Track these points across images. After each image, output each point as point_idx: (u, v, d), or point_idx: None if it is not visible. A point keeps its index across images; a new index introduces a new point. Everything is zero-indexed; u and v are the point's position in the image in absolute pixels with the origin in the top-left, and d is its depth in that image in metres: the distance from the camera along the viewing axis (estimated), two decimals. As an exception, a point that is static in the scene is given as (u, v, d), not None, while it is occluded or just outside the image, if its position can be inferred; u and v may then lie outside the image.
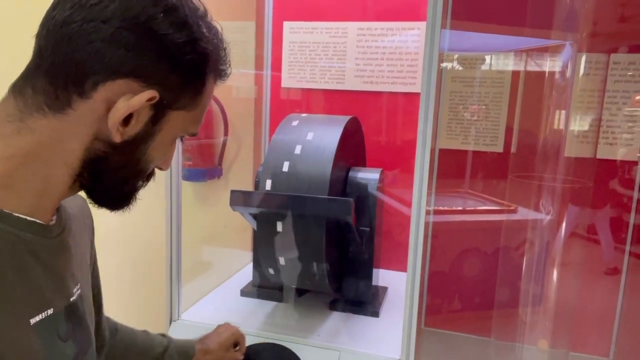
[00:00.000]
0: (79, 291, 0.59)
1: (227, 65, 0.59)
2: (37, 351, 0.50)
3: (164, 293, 1.29)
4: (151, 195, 0.67)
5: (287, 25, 1.68)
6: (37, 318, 0.51)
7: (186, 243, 1.31)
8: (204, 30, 0.54)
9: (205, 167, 1.74)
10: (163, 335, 0.94)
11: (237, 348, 1.03)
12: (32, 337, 0.50)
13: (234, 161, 1.84)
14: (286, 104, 1.75)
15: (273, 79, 1.76)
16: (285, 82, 1.72)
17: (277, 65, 1.73)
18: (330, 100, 1.70)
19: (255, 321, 1.28)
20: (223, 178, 1.80)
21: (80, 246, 0.63)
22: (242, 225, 1.74)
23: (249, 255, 1.76)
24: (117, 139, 0.51)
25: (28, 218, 0.51)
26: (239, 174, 1.86)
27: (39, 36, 0.50)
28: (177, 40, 0.51)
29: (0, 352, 0.46)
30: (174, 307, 1.28)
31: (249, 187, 1.80)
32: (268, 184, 1.22)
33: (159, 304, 1.31)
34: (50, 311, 0.52)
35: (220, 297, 1.45)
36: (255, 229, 1.28)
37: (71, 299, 0.57)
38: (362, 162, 1.55)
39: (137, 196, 0.59)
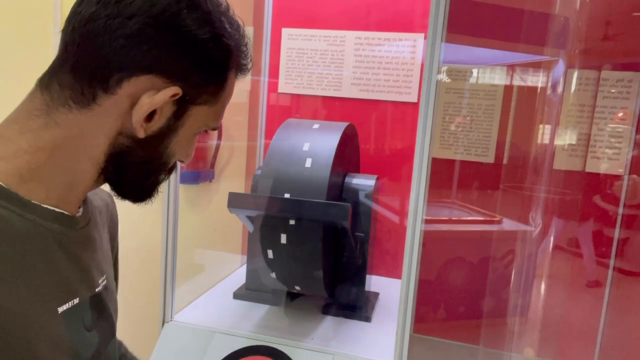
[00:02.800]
0: (104, 282, 0.60)
1: (248, 60, 0.60)
2: (63, 339, 0.51)
3: (157, 294, 1.28)
4: (160, 191, 0.68)
5: (285, 31, 1.70)
6: (65, 307, 0.51)
7: (179, 245, 1.31)
8: (227, 26, 0.54)
9: (198, 170, 1.74)
10: None
11: None
12: (59, 325, 0.50)
13: (226, 165, 1.84)
14: (282, 110, 1.77)
15: (270, 85, 1.77)
16: (282, 88, 1.74)
17: (274, 71, 1.75)
18: (326, 107, 1.72)
19: (248, 324, 1.28)
20: (215, 181, 1.80)
21: (104, 239, 0.64)
22: (233, 229, 1.75)
23: (240, 258, 1.76)
24: (141, 134, 0.52)
25: (56, 209, 0.52)
26: (231, 178, 1.87)
27: (65, 32, 0.51)
28: (200, 36, 0.51)
29: (31, 338, 0.47)
30: (167, 309, 1.28)
31: (241, 192, 1.80)
32: (266, 188, 1.23)
33: (152, 305, 1.30)
34: (76, 300, 0.53)
35: (213, 299, 1.44)
36: (251, 231, 1.29)
37: (96, 290, 0.57)
38: (357, 169, 1.57)
39: (159, 189, 0.60)
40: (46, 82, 0.51)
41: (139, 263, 1.69)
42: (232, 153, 1.86)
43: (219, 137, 1.75)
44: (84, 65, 0.50)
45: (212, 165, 1.78)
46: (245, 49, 0.59)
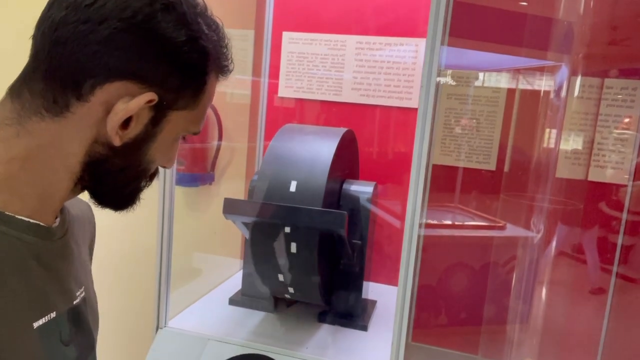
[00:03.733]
0: (82, 294, 0.58)
1: (229, 61, 0.57)
2: (39, 355, 0.49)
3: (151, 299, 1.27)
4: (142, 198, 0.67)
5: (286, 35, 1.69)
6: (40, 322, 0.50)
7: (175, 249, 1.29)
8: (204, 28, 0.52)
9: (198, 172, 1.73)
10: None
11: None
12: (34, 341, 0.49)
13: (226, 168, 1.83)
14: (282, 114, 1.76)
15: (270, 88, 1.76)
16: (282, 92, 1.73)
17: (274, 75, 1.74)
18: (326, 112, 1.70)
19: (243, 331, 1.27)
20: (215, 184, 1.79)
21: (82, 249, 0.63)
22: (232, 233, 1.74)
23: (238, 263, 1.75)
24: (116, 142, 0.50)
25: (31, 221, 0.50)
26: (231, 181, 1.85)
27: (35, 38, 0.49)
28: (175, 39, 0.49)
29: (5, 356, 0.45)
30: (162, 315, 1.26)
31: (241, 195, 1.79)
32: (262, 194, 1.22)
33: (146, 311, 1.29)
34: (53, 314, 0.52)
35: (208, 305, 1.43)
36: (248, 238, 1.28)
37: (74, 302, 0.56)
38: (355, 175, 1.55)
39: (141, 196, 0.59)
40: (17, 90, 0.50)
41: (133, 267, 1.68)
42: (232, 156, 1.85)
43: (219, 139, 1.74)
44: (55, 72, 0.48)
45: (212, 168, 1.77)
46: (225, 50, 0.56)
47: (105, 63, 0.48)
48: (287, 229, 1.18)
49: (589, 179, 1.40)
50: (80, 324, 0.57)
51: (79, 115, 0.49)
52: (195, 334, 1.23)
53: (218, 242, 1.75)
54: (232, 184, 1.86)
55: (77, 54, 0.47)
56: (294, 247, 1.19)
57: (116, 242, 1.68)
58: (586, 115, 1.40)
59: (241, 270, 1.54)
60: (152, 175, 0.59)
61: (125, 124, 0.50)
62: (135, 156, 0.54)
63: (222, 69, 0.57)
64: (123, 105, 0.49)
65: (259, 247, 1.22)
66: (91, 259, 0.72)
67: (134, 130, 0.51)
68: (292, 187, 1.20)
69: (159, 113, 0.52)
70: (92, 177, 0.53)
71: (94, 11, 0.47)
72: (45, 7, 0.50)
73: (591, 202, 1.41)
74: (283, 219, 1.17)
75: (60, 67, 0.48)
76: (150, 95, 0.50)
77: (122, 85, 0.49)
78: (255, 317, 1.36)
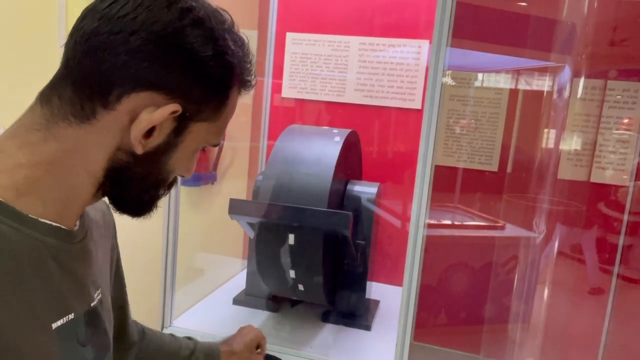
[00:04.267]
0: (99, 296, 0.59)
1: (252, 77, 0.59)
2: (56, 356, 0.50)
3: (156, 299, 1.27)
4: (159, 206, 0.67)
5: (289, 36, 1.70)
6: (59, 323, 0.51)
7: (179, 248, 1.30)
8: (230, 44, 0.53)
9: (200, 172, 1.73)
10: (189, 338, 0.93)
11: (259, 350, 1.02)
12: (53, 342, 0.50)
13: (228, 167, 1.83)
14: (286, 114, 1.76)
15: (273, 89, 1.76)
16: (286, 93, 1.73)
17: (278, 75, 1.74)
18: (330, 113, 1.71)
19: (247, 330, 1.28)
20: (217, 184, 1.79)
21: (101, 251, 0.63)
22: (234, 233, 1.74)
23: (241, 263, 1.75)
24: (139, 150, 0.51)
25: (53, 224, 0.51)
26: (233, 181, 1.86)
27: (67, 46, 0.51)
28: (202, 54, 0.50)
29: (24, 355, 0.46)
30: (167, 314, 1.27)
31: (243, 194, 1.80)
32: (267, 194, 1.22)
33: (151, 310, 1.29)
34: (71, 316, 0.52)
35: (213, 304, 1.44)
36: (252, 238, 1.28)
37: (92, 304, 0.57)
38: (359, 175, 1.56)
39: (158, 204, 0.59)
40: (47, 95, 0.51)
41: (138, 267, 1.68)
42: (234, 155, 1.85)
43: (222, 138, 1.74)
44: (85, 79, 0.49)
45: (215, 168, 1.77)
46: (249, 66, 0.57)
47: (133, 73, 0.49)
48: (292, 230, 1.19)
49: (591, 180, 1.40)
50: (97, 326, 0.58)
51: (105, 123, 0.50)
52: (200, 333, 1.24)
53: (220, 242, 1.75)
54: (234, 183, 1.86)
55: (107, 64, 0.48)
56: (298, 248, 1.20)
57: (121, 243, 1.68)
58: (588, 116, 1.40)
59: (244, 270, 1.54)
60: (171, 185, 0.60)
61: (149, 133, 0.51)
62: (156, 165, 0.55)
63: (245, 84, 0.58)
64: (147, 115, 0.50)
65: (263, 248, 1.23)
66: (115, 256, 0.73)
67: (157, 139, 0.52)
68: (296, 188, 1.21)
69: (181, 124, 0.53)
70: (113, 184, 0.54)
71: (125, 23, 0.48)
72: (79, 17, 0.51)
73: (593, 203, 1.42)
74: (288, 220, 1.18)
75: (89, 75, 0.49)
76: (175, 107, 0.51)
77: (148, 96, 0.50)
78: (259, 317, 1.36)
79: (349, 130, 1.35)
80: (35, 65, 1.40)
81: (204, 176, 1.74)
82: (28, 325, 0.47)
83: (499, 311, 1.54)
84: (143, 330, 0.87)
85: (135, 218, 0.59)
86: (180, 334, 1.25)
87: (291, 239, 1.19)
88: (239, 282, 1.58)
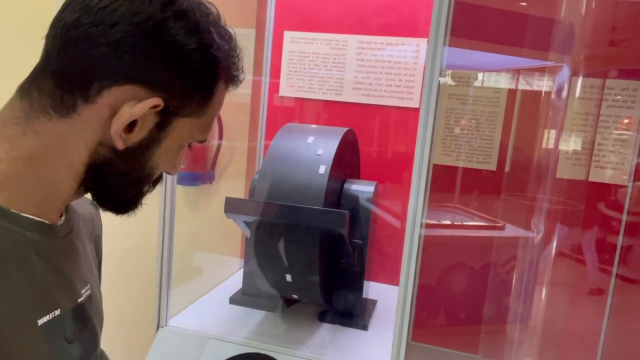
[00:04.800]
0: (88, 292, 0.58)
1: (240, 72, 0.58)
2: (43, 352, 0.49)
3: (152, 298, 1.27)
4: (144, 203, 0.66)
5: (287, 34, 1.69)
6: (45, 319, 0.50)
7: (175, 248, 1.29)
8: (215, 37, 0.52)
9: (198, 171, 1.73)
10: None
11: None
12: (38, 338, 0.49)
13: (226, 167, 1.83)
14: (283, 113, 1.75)
15: (271, 87, 1.76)
16: (283, 91, 1.72)
17: (275, 74, 1.74)
18: (327, 111, 1.70)
19: (243, 330, 1.27)
20: (215, 183, 1.79)
21: (88, 248, 0.63)
22: (232, 232, 1.73)
23: (238, 262, 1.75)
24: (120, 145, 0.50)
25: (35, 218, 0.50)
26: (231, 180, 1.85)
27: (48, 37, 0.50)
28: (186, 47, 0.49)
29: (9, 353, 0.45)
30: (162, 313, 1.26)
31: (241, 194, 1.79)
32: (263, 193, 1.22)
33: (147, 310, 1.29)
34: (57, 312, 0.52)
35: (209, 304, 1.43)
36: (249, 237, 1.28)
37: (79, 300, 0.56)
38: (356, 174, 1.55)
39: (143, 201, 0.59)
40: (26, 89, 0.50)
41: (133, 266, 1.68)
42: (232, 154, 1.84)
43: (220, 138, 1.74)
44: (65, 72, 0.48)
45: (213, 167, 1.76)
46: (236, 60, 0.56)
47: (114, 66, 0.48)
48: (288, 229, 1.18)
49: (590, 179, 1.40)
50: (85, 322, 0.57)
51: (85, 117, 0.49)
52: (196, 332, 1.23)
53: (218, 241, 1.75)
54: (232, 183, 1.86)
55: (87, 56, 0.47)
56: (295, 247, 1.19)
57: (117, 241, 1.67)
58: (587, 116, 1.40)
59: (241, 270, 1.54)
60: (156, 181, 0.59)
61: (130, 127, 0.50)
62: (138, 161, 0.54)
63: (232, 79, 0.57)
64: (128, 108, 0.49)
65: (260, 247, 1.22)
66: (99, 255, 0.72)
67: (138, 134, 0.51)
68: (293, 187, 1.20)
69: (164, 119, 0.52)
70: (95, 180, 0.53)
71: (106, 14, 0.47)
72: (60, 9, 0.50)
73: (592, 203, 1.41)
74: (284, 218, 1.17)
75: (69, 68, 0.48)
76: (156, 101, 0.50)
77: (129, 89, 0.49)
78: (255, 316, 1.36)
79: (346, 129, 1.35)
80: (23, 60, 1.40)
81: (202, 175, 1.74)
82: (13, 321, 0.46)
83: (498, 311, 1.53)
84: None
85: (119, 215, 0.58)
86: (176, 333, 1.25)
87: (287, 238, 1.18)
88: (235, 281, 1.58)
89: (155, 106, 0.50)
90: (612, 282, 1.42)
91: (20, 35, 1.46)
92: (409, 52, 1.58)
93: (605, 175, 1.40)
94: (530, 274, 1.49)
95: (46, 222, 0.52)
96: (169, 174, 0.60)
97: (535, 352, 1.47)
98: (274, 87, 1.75)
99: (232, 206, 1.20)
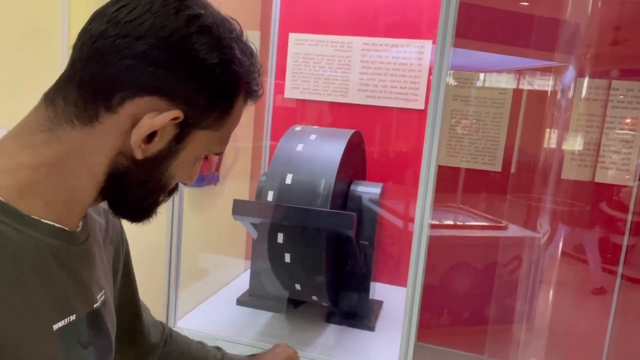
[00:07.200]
0: (102, 297, 0.59)
1: (259, 87, 0.58)
2: (58, 357, 0.50)
3: (160, 300, 1.27)
4: (159, 212, 0.67)
5: (292, 36, 1.70)
6: (60, 324, 0.50)
7: (182, 249, 1.30)
8: (237, 52, 0.53)
9: (203, 173, 1.73)
10: (218, 348, 0.93)
11: None
12: (54, 343, 0.49)
13: (231, 168, 1.83)
14: (288, 115, 1.76)
15: (276, 89, 1.76)
16: (289, 93, 1.73)
17: (280, 76, 1.74)
18: (333, 113, 1.71)
19: (251, 331, 1.28)
20: (219, 184, 1.79)
21: (104, 253, 0.63)
22: (237, 233, 1.74)
23: (244, 263, 1.75)
24: (139, 155, 0.51)
25: (56, 225, 0.51)
26: (236, 181, 1.85)
27: (75, 47, 0.51)
28: (208, 61, 0.50)
29: (24, 357, 0.46)
30: (171, 315, 1.27)
31: (245, 195, 1.79)
32: (270, 195, 1.22)
33: (155, 311, 1.29)
34: (73, 317, 0.52)
35: (216, 305, 1.44)
36: (255, 238, 1.28)
37: (94, 306, 0.57)
38: (362, 176, 1.56)
39: (158, 210, 0.59)
40: (51, 97, 0.51)
41: (142, 267, 1.68)
42: (237, 156, 1.85)
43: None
44: (90, 82, 0.49)
45: (217, 168, 1.77)
46: (256, 75, 0.57)
47: (137, 78, 0.49)
48: (295, 230, 1.18)
49: (596, 180, 1.40)
50: (99, 327, 0.58)
51: (107, 126, 0.50)
52: (204, 334, 1.24)
53: (223, 243, 1.75)
54: (237, 184, 1.86)
55: (112, 67, 0.48)
56: (301, 248, 1.20)
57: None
58: (592, 116, 1.40)
59: (247, 271, 1.54)
60: (172, 191, 0.60)
61: (149, 138, 0.51)
62: (156, 171, 0.54)
63: (252, 94, 0.58)
64: (149, 120, 0.50)
65: (267, 248, 1.22)
66: (125, 261, 0.73)
67: (157, 145, 0.52)
68: (300, 189, 1.21)
69: (183, 131, 0.53)
70: (113, 188, 0.53)
71: (132, 28, 0.48)
72: (88, 20, 0.51)
73: (597, 203, 1.41)
74: (292, 221, 1.18)
75: (94, 78, 0.49)
76: (177, 113, 0.51)
77: (151, 101, 0.50)
78: (263, 318, 1.36)
79: (352, 131, 1.35)
80: (37, 68, 1.40)
81: (207, 177, 1.74)
82: (29, 326, 0.47)
83: (503, 311, 1.54)
84: (170, 335, 0.87)
85: (134, 223, 0.58)
86: (184, 334, 1.26)
87: (294, 240, 1.19)
88: (242, 282, 1.58)
89: (175, 118, 0.51)
90: (617, 282, 1.43)
91: (24, 35, 1.46)
92: (414, 54, 1.58)
93: (610, 175, 1.40)
94: (536, 274, 1.50)
95: (66, 228, 0.52)
96: (185, 184, 0.61)
97: (541, 352, 1.48)
98: (279, 88, 1.76)
99: (240, 208, 1.21)
